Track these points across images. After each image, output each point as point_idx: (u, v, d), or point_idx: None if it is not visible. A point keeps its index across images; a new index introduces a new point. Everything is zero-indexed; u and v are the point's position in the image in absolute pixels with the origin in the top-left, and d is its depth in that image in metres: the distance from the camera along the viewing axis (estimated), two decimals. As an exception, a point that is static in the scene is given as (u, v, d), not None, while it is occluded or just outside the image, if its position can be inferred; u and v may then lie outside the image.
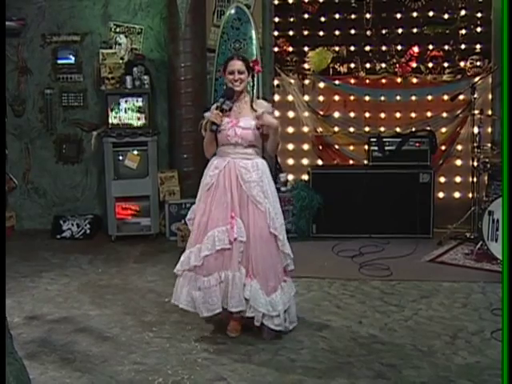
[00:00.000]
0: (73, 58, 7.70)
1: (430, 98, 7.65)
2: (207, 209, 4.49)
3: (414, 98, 7.65)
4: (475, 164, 6.86)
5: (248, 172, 4.46)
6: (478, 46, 7.57)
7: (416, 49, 7.64)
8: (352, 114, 7.80)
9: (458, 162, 7.62)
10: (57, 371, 4.05)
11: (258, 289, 4.36)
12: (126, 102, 7.19)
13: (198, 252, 4.40)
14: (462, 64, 7.61)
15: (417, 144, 7.18)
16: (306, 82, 7.82)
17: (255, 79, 6.44)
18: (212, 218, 4.44)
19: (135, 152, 7.28)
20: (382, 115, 7.74)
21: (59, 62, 7.71)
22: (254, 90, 6.58)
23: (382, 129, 7.68)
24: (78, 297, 5.47)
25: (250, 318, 4.43)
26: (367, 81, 7.78)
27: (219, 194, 4.47)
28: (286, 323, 4.49)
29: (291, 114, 7.83)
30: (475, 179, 6.87)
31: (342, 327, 4.69)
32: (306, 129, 7.82)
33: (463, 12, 7.58)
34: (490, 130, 7.36)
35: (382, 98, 7.70)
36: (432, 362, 4.09)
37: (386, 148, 7.21)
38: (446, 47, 7.63)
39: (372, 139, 7.29)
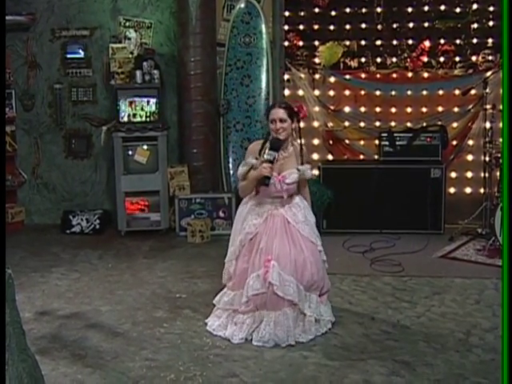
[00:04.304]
0: (82, 53, 7.70)
1: (441, 92, 7.60)
2: (248, 256, 4.48)
3: (425, 92, 7.61)
4: (487, 159, 6.81)
5: (294, 214, 4.52)
6: (489, 40, 7.53)
7: (427, 43, 7.60)
8: (363, 109, 7.77)
9: (470, 157, 7.58)
10: (68, 367, 4.03)
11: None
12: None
13: (239, 299, 4.44)
14: (473, 58, 7.57)
15: (428, 139, 7.13)
16: (317, 76, 7.79)
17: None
18: (251, 263, 4.43)
19: (145, 147, 7.26)
20: (393, 110, 7.71)
21: (68, 56, 7.70)
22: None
23: (393, 123, 7.65)
24: (88, 292, 5.46)
25: None
26: (378, 75, 7.74)
27: (260, 241, 4.45)
28: None
29: (301, 109, 7.78)
30: (487, 174, 6.81)
31: (355, 324, 4.65)
32: (316, 123, 7.78)
33: (475, 6, 7.54)
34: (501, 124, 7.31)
35: (393, 93, 7.67)
36: (446, 359, 4.04)
37: (397, 143, 7.17)
38: (458, 41, 7.60)
39: (383, 134, 7.25)
